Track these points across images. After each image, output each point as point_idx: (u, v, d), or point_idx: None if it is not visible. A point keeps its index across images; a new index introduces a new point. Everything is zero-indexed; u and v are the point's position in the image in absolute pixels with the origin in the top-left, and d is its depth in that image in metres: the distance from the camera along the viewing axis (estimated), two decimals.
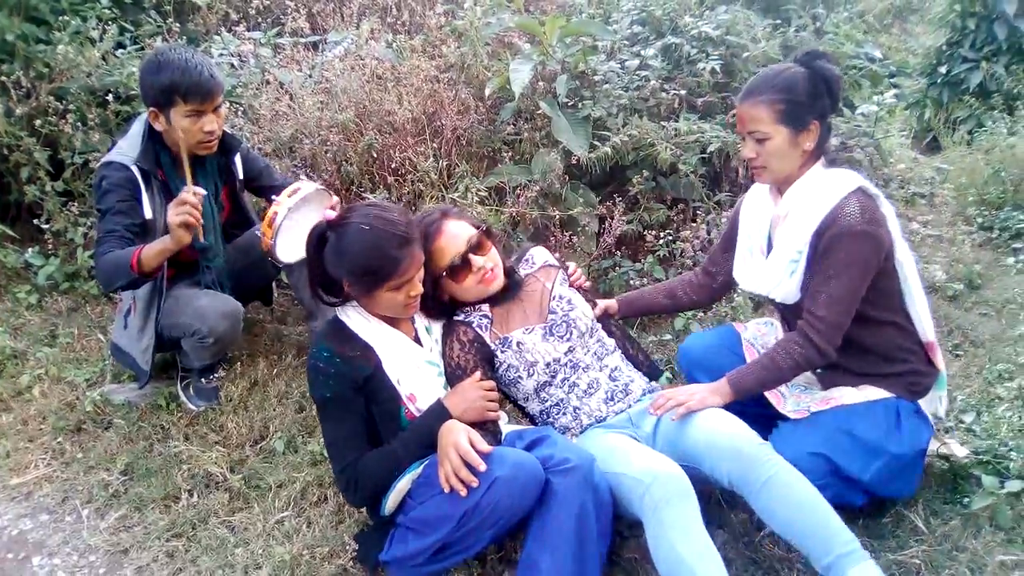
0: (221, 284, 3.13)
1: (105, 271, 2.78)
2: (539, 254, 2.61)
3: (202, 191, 2.67)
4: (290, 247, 2.76)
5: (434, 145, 3.79)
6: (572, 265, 2.65)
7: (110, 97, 3.88)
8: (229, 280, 3.14)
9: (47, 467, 2.84)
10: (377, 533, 2.29)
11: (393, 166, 3.74)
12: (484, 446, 2.00)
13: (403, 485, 2.18)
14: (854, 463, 2.22)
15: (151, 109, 2.83)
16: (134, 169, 2.84)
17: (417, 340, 2.32)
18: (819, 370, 2.46)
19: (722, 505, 2.38)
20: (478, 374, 2.27)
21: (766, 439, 2.22)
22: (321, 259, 2.16)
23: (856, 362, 2.34)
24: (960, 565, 2.20)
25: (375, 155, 3.78)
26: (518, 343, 2.39)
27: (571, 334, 2.42)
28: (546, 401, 2.44)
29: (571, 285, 2.56)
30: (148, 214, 2.87)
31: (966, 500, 2.39)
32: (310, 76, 4.08)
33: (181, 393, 3.12)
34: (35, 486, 2.75)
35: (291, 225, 2.70)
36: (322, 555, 2.36)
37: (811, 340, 2.25)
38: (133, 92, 3.92)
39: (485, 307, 2.43)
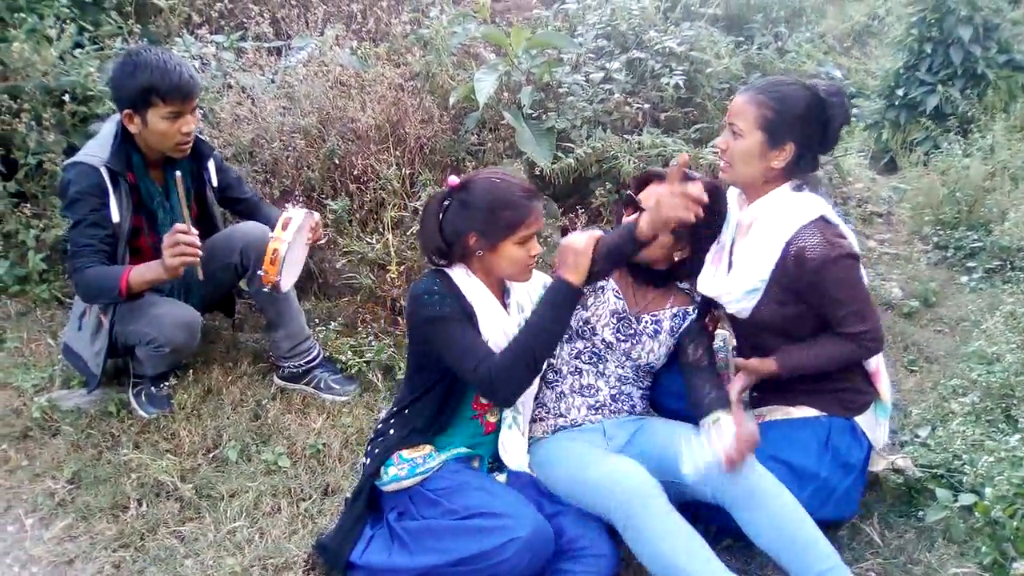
0: (188, 291, 3.08)
1: (89, 289, 2.79)
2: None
3: (194, 230, 2.65)
4: (287, 274, 2.77)
5: (397, 153, 3.76)
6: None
7: (67, 97, 3.79)
8: (200, 288, 3.08)
9: None
10: (349, 529, 2.24)
11: (355, 173, 3.70)
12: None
13: (408, 482, 2.18)
14: None
15: (126, 112, 2.77)
16: (103, 171, 2.78)
17: (506, 308, 2.34)
18: (753, 392, 2.47)
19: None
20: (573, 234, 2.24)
21: None
22: (440, 224, 2.22)
23: (791, 380, 2.35)
24: None
25: (337, 162, 3.74)
26: (602, 288, 2.43)
27: (626, 342, 2.43)
28: (556, 359, 2.46)
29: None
30: (115, 218, 2.81)
31: (920, 513, 2.42)
32: (272, 81, 4.04)
33: (132, 400, 3.05)
34: None
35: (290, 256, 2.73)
36: (275, 567, 2.31)
37: (869, 348, 2.30)
38: (91, 93, 3.83)
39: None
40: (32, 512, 2.58)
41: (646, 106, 4.06)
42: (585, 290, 2.30)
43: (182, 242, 2.60)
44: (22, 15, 3.88)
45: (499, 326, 2.25)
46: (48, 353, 3.38)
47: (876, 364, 2.41)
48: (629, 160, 3.73)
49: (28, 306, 3.70)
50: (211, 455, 2.82)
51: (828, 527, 2.35)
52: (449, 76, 4.02)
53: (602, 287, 2.43)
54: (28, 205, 3.80)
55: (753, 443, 2.11)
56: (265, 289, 2.74)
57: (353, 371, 3.23)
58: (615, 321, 2.42)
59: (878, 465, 2.46)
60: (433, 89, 4.03)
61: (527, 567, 1.97)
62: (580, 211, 3.71)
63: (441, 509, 2.10)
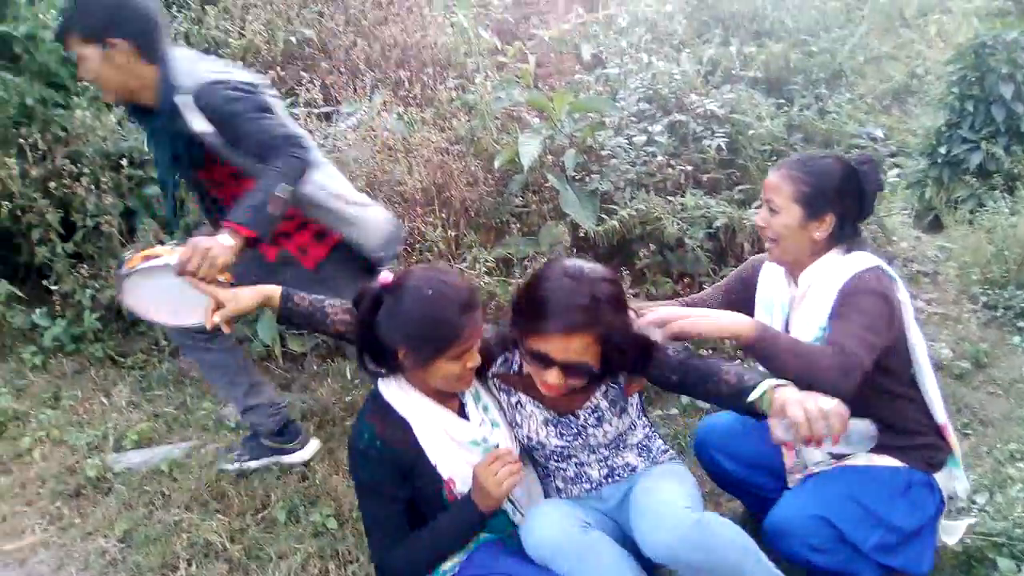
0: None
1: None
2: None
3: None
4: (153, 299, 2.29)
5: (443, 215, 3.82)
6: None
7: (124, 161, 3.94)
8: None
9: (44, 532, 2.79)
10: None
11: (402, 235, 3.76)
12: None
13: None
14: (857, 531, 2.17)
15: None
16: None
17: (463, 414, 2.14)
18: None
19: None
20: (488, 457, 2.03)
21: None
22: (374, 324, 1.99)
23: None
24: None
25: None
26: (518, 403, 2.21)
27: (577, 439, 2.20)
28: (537, 465, 2.33)
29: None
30: None
31: None
32: (322, 145, 4.14)
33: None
34: (30, 552, 2.71)
35: (159, 284, 2.23)
36: None
37: (844, 367, 2.07)
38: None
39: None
40: (83, 570, 2.61)
41: (688, 168, 4.10)
42: (505, 409, 2.22)
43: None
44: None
45: (450, 442, 2.08)
46: (102, 411, 3.44)
47: (945, 417, 2.34)
48: (672, 222, 3.75)
49: (83, 365, 3.78)
50: (259, 516, 2.84)
51: None
52: (493, 140, 4.10)
53: (519, 402, 2.20)
54: (84, 265, 3.92)
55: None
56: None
57: None
58: (553, 428, 2.19)
59: (954, 535, 2.39)
60: (478, 153, 4.11)
61: None
62: (624, 272, 3.72)
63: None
